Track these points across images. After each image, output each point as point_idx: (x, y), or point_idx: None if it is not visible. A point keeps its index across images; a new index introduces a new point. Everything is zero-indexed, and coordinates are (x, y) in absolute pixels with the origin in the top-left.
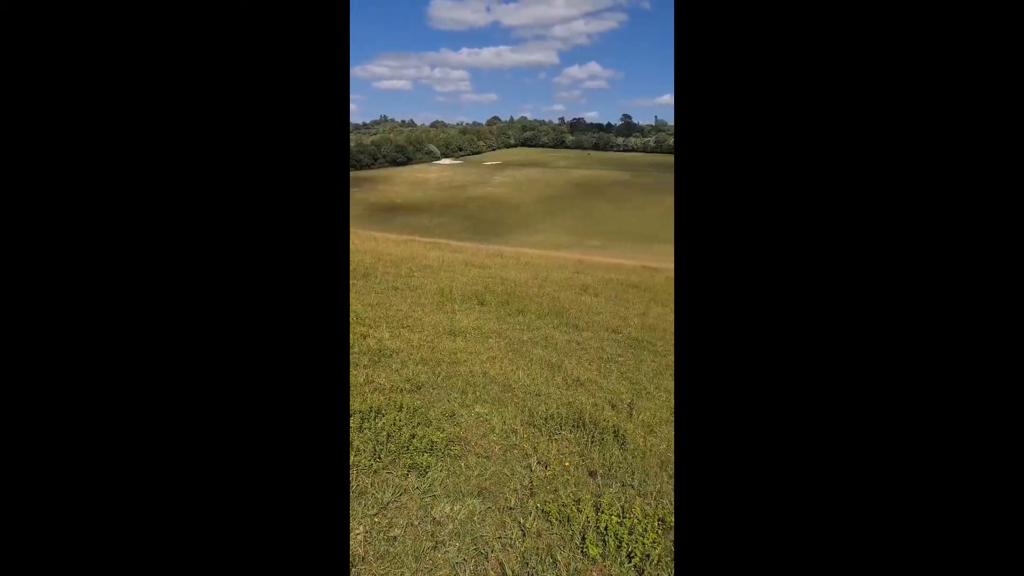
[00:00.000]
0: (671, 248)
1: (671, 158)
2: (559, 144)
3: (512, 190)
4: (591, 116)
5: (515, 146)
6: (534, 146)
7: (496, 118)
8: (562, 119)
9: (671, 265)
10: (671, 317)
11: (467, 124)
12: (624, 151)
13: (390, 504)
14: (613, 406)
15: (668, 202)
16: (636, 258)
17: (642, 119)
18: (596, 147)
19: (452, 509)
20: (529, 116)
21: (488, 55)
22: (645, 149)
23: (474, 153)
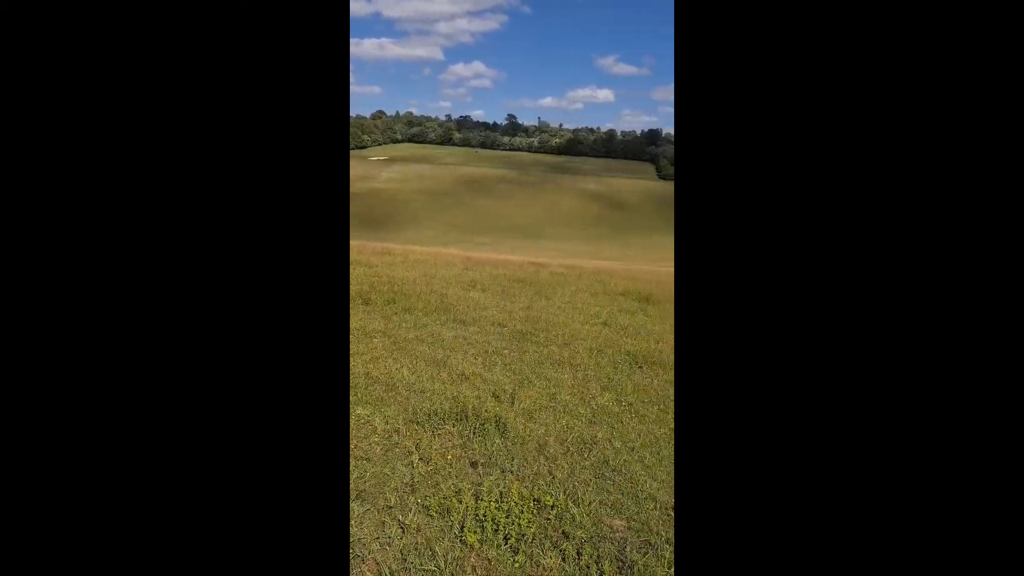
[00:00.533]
0: (556, 244)
1: (554, 158)
2: (446, 141)
3: (401, 186)
4: (477, 114)
5: (402, 142)
6: (421, 142)
7: (381, 112)
8: (449, 116)
9: (555, 261)
10: (553, 309)
11: (351, 117)
12: (510, 150)
13: None
14: (496, 397)
15: (552, 199)
16: (523, 254)
17: (526, 119)
18: (483, 145)
19: None
20: (415, 112)
21: (370, 46)
22: (530, 149)
23: (359, 147)
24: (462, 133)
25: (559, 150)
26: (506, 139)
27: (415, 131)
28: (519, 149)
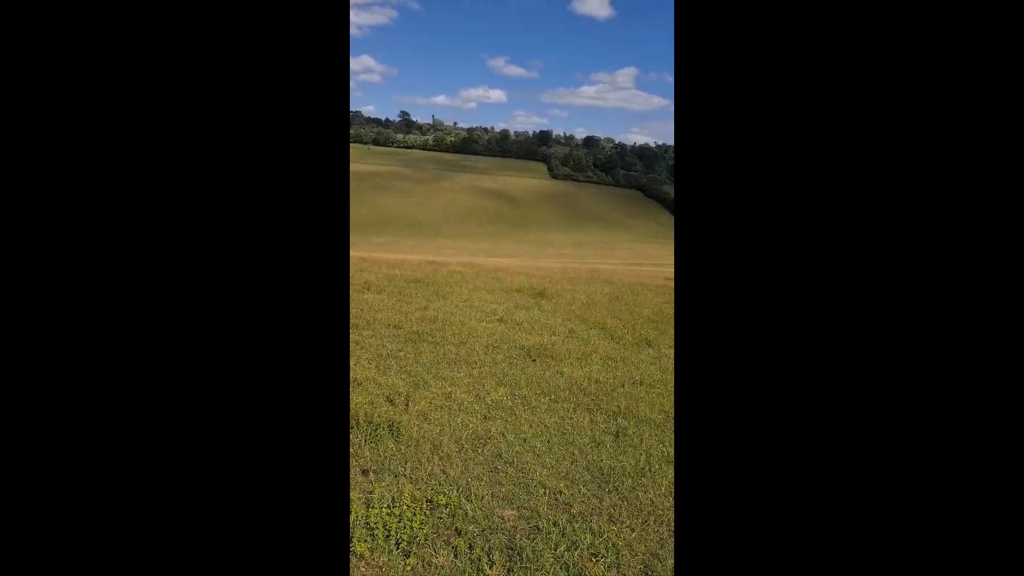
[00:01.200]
0: (453, 242)
1: (449, 156)
2: None
3: None
4: (368, 110)
5: None
6: None
7: None
8: None
9: (453, 259)
10: (450, 308)
11: None
12: (404, 147)
13: None
14: (390, 401)
15: (449, 197)
16: (421, 253)
17: (420, 117)
18: (376, 142)
19: None
20: None
21: None
22: (424, 146)
23: None
24: (353, 129)
25: (454, 148)
26: (400, 136)
27: None
28: (414, 147)
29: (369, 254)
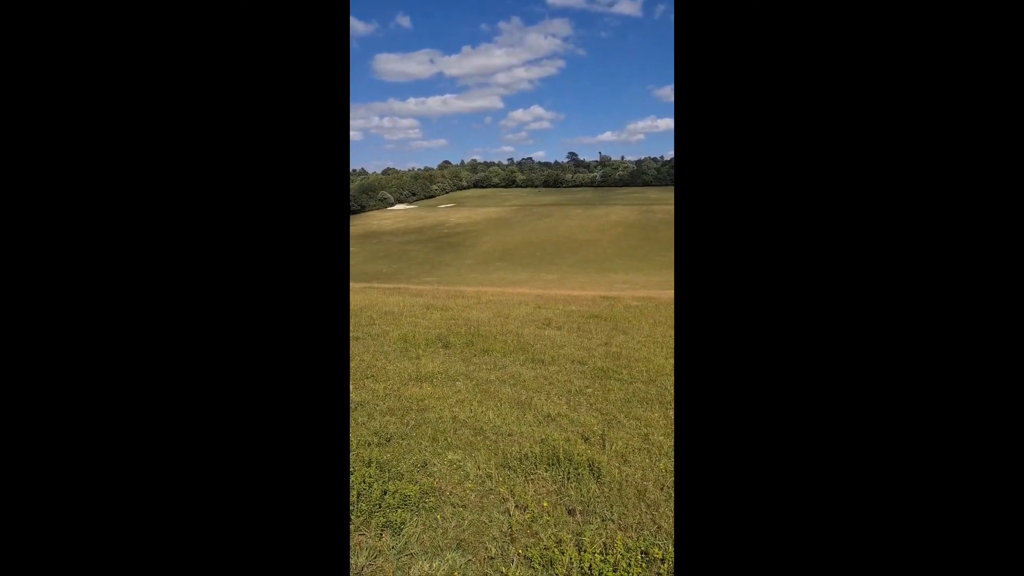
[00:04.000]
0: (626, 276)
1: (619, 190)
2: (510, 184)
3: (467, 228)
4: (539, 155)
5: (467, 188)
6: (486, 187)
7: (447, 162)
8: (511, 159)
9: (627, 293)
10: (634, 345)
11: (419, 169)
12: (573, 187)
13: (365, 569)
14: (586, 439)
15: (619, 230)
16: (594, 289)
17: (587, 156)
18: (546, 184)
19: (431, 566)
20: (479, 158)
21: (435, 103)
22: (592, 183)
23: (427, 197)
24: (524, 174)
25: (623, 182)
26: (568, 176)
27: (479, 176)
28: (583, 185)
29: (544, 291)
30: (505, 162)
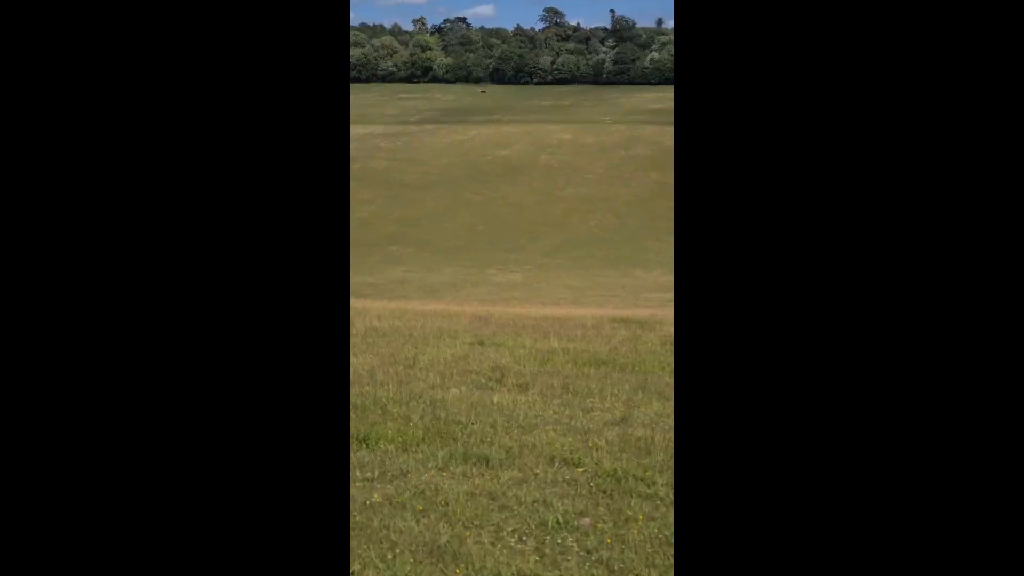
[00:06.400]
0: (667, 275)
1: (637, 88)
2: (412, 76)
3: None
4: (480, 11)
5: None
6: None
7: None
8: (419, 22)
9: (668, 313)
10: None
11: None
12: (559, 82)
13: None
14: None
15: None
16: (598, 302)
17: (583, 18)
18: (496, 75)
19: None
20: None
21: None
22: (598, 74)
23: None
24: (450, 55)
25: (640, 77)
26: (546, 59)
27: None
28: (577, 80)
29: (492, 308)
30: (388, 26)
